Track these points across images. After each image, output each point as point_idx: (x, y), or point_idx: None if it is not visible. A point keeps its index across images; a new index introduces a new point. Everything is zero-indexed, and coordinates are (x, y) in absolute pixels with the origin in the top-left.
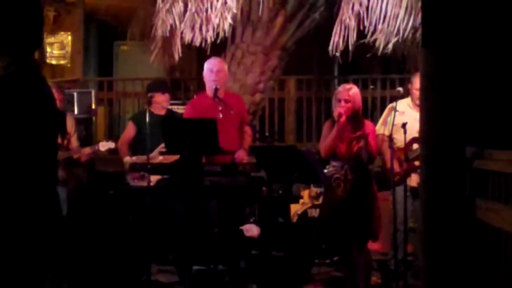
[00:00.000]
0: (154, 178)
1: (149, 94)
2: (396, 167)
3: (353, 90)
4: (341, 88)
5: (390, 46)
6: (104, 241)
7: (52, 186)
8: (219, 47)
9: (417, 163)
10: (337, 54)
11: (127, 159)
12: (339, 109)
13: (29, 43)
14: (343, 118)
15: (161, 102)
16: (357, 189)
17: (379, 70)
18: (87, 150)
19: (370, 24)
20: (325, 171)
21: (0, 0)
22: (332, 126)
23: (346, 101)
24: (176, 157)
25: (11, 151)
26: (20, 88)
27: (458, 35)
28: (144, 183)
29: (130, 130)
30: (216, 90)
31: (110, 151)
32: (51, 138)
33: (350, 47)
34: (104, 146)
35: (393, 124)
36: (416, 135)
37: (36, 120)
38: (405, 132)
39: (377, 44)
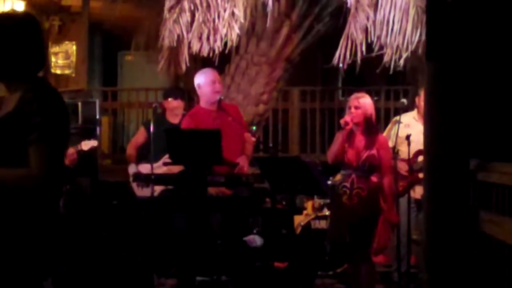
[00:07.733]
0: (157, 187)
1: (160, 101)
2: (403, 172)
3: (364, 98)
4: (353, 95)
5: (402, 61)
6: (107, 252)
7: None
8: (223, 58)
9: (421, 175)
10: (340, 65)
11: (132, 166)
12: (346, 117)
13: (34, 67)
14: (349, 126)
15: (173, 109)
16: (361, 199)
17: (383, 81)
18: (70, 150)
19: (377, 37)
20: (335, 179)
21: (12, 36)
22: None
23: (356, 107)
24: (180, 168)
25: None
26: (40, 94)
27: (462, 47)
28: (149, 191)
29: (140, 136)
30: (220, 100)
31: (93, 149)
32: (65, 143)
33: (358, 61)
34: (87, 145)
35: (397, 136)
36: (422, 147)
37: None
38: (409, 144)
39: (385, 58)
